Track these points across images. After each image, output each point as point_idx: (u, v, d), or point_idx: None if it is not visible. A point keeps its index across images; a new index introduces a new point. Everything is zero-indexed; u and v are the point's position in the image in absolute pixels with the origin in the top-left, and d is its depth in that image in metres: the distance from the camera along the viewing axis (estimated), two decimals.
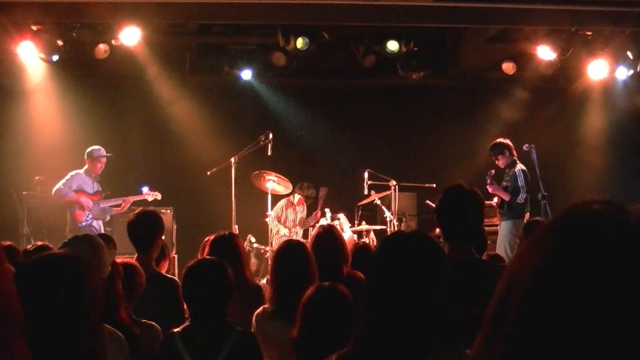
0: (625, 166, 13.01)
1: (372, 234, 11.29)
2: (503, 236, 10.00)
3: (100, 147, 10.65)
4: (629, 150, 13.11)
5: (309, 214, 11.91)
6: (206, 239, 5.64)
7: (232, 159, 10.82)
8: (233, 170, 10.77)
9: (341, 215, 11.10)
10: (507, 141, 10.33)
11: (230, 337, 3.85)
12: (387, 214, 11.28)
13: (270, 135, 10.89)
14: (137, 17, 10.18)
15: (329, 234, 5.59)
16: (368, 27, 11.39)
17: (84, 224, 10.41)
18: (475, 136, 12.70)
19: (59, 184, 10.34)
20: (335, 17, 10.28)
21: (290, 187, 11.54)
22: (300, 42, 11.07)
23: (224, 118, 12.79)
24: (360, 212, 11.88)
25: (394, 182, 11.45)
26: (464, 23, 10.71)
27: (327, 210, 11.20)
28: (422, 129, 13.43)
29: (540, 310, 0.94)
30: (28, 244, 7.04)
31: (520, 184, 9.99)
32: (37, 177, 11.25)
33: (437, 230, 4.63)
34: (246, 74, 12.19)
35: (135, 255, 5.57)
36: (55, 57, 10.57)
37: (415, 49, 11.63)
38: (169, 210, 11.29)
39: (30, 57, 10.58)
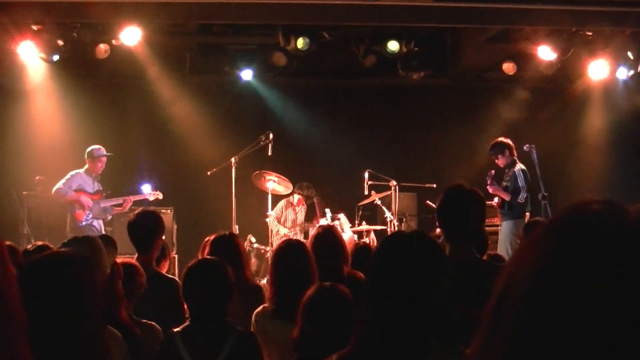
0: (626, 166, 13.00)
1: (372, 234, 11.29)
2: (504, 236, 10.00)
3: (100, 147, 10.65)
4: (629, 150, 13.11)
5: (308, 215, 11.89)
6: (206, 239, 5.64)
7: (233, 159, 10.82)
8: (233, 170, 10.78)
9: (341, 216, 11.10)
10: (508, 141, 10.32)
11: (231, 337, 3.85)
12: (388, 214, 11.28)
13: (271, 135, 10.89)
14: (138, 17, 10.18)
15: (329, 234, 5.58)
16: (368, 27, 11.39)
17: (84, 223, 10.41)
18: (475, 136, 12.70)
19: (59, 184, 10.34)
20: (336, 17, 10.29)
21: (291, 187, 11.54)
22: (300, 42, 11.07)
23: (225, 118, 12.79)
24: (360, 212, 11.88)
25: (394, 182, 11.45)
26: (464, 23, 10.71)
27: (327, 210, 11.20)
28: (422, 129, 13.43)
29: (540, 310, 0.94)
30: (28, 244, 7.03)
31: (520, 184, 9.99)
32: (37, 177, 11.25)
33: (438, 230, 4.63)
34: (246, 74, 12.19)
35: (136, 255, 5.57)
36: (56, 57, 10.58)
37: (416, 49, 11.63)
38: (169, 210, 11.29)
39: (31, 57, 10.58)
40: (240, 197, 10.87)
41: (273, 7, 10.07)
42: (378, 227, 11.51)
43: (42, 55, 10.52)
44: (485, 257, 5.21)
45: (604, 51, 11.39)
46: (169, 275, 5.88)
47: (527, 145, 9.89)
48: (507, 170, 10.25)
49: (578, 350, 0.91)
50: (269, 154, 10.92)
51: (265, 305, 4.70)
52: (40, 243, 5.47)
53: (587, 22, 10.51)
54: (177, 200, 11.63)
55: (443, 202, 4.09)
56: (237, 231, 10.00)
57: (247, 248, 10.33)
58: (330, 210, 11.17)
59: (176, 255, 10.57)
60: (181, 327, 3.97)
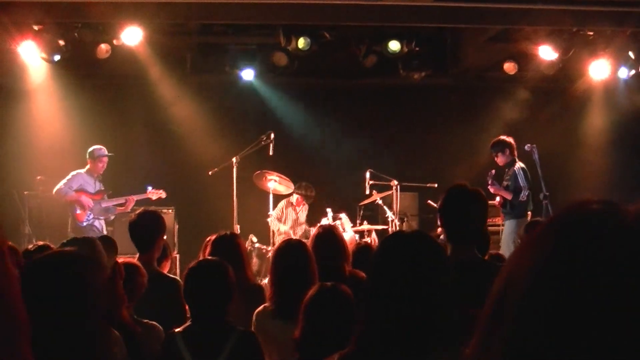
0: (626, 166, 13.00)
1: (373, 234, 11.29)
2: (507, 235, 10.00)
3: (101, 147, 10.65)
4: (630, 150, 13.10)
5: (310, 214, 11.89)
6: (208, 238, 5.64)
7: (234, 159, 10.83)
8: (234, 170, 10.78)
9: (343, 215, 11.09)
10: (510, 140, 10.32)
11: (231, 337, 3.86)
12: (389, 213, 11.28)
13: (272, 135, 10.90)
14: (139, 17, 10.19)
15: (329, 234, 5.59)
16: (369, 27, 11.39)
17: (85, 224, 10.41)
18: (476, 136, 12.69)
19: (60, 184, 10.34)
20: (337, 17, 10.29)
21: (292, 187, 11.53)
22: (301, 42, 11.07)
23: (226, 118, 12.80)
24: (361, 212, 11.87)
25: (396, 182, 11.45)
26: (465, 23, 10.71)
27: (328, 210, 11.20)
28: (423, 129, 13.44)
29: (540, 310, 0.94)
30: (29, 244, 7.04)
31: (520, 182, 9.99)
32: (38, 177, 11.25)
33: (439, 230, 4.63)
34: (247, 74, 12.19)
35: (137, 255, 5.58)
36: (57, 57, 10.58)
37: (417, 48, 11.62)
38: (170, 210, 11.29)
39: (32, 57, 10.59)
40: (241, 197, 10.87)
41: (274, 7, 10.07)
42: (379, 227, 11.51)
43: (43, 55, 10.53)
44: (486, 257, 5.20)
45: (604, 51, 11.39)
46: (170, 275, 5.89)
47: (529, 145, 9.89)
48: (507, 169, 10.25)
49: (578, 350, 0.92)
50: (270, 153, 10.92)
51: (265, 305, 4.70)
52: (41, 243, 5.46)
53: (588, 22, 10.51)
54: (178, 200, 11.62)
55: (445, 201, 4.09)
56: (239, 231, 10.00)
57: (249, 248, 10.34)
58: (332, 210, 11.17)
59: (177, 255, 10.57)
60: (182, 327, 3.97)
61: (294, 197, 11.75)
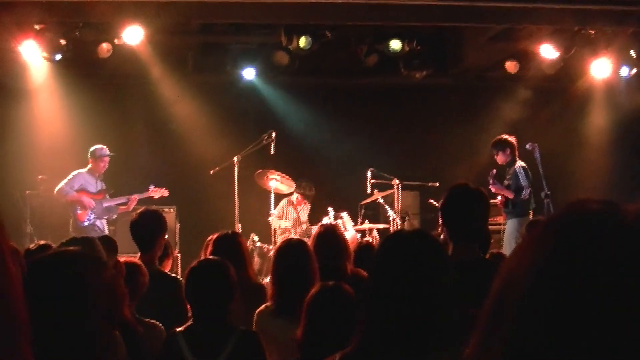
0: (628, 165, 13.00)
1: (375, 233, 11.29)
2: (509, 234, 10.00)
3: (103, 146, 10.66)
4: (631, 149, 13.09)
5: (311, 213, 11.89)
6: (209, 237, 5.65)
7: (235, 158, 10.82)
8: (236, 169, 10.78)
9: (344, 214, 11.10)
10: (512, 139, 10.31)
11: (233, 337, 3.86)
12: (390, 212, 11.28)
13: (273, 134, 10.89)
14: (140, 17, 10.18)
15: (331, 233, 5.59)
16: (371, 26, 11.39)
17: (86, 223, 10.41)
18: (477, 136, 12.69)
19: (61, 184, 10.34)
20: (338, 16, 10.28)
21: (294, 185, 11.54)
22: (303, 41, 11.06)
23: (227, 117, 12.79)
24: (363, 211, 11.87)
25: (397, 181, 11.45)
26: (466, 22, 10.69)
27: (330, 209, 11.20)
28: (425, 128, 13.44)
29: (540, 310, 0.94)
30: (31, 243, 7.04)
31: (522, 181, 9.99)
32: (40, 176, 11.26)
33: (439, 229, 4.63)
34: (249, 73, 12.19)
35: (138, 254, 5.58)
36: (58, 56, 10.58)
37: (418, 47, 11.62)
38: (172, 209, 11.30)
39: (33, 56, 10.59)
40: (242, 196, 10.87)
41: (275, 6, 10.07)
42: (381, 226, 11.51)
43: (45, 54, 10.52)
44: (487, 256, 5.20)
45: (606, 50, 11.37)
46: (172, 274, 5.89)
47: (530, 143, 9.89)
48: (507, 168, 10.25)
49: (578, 350, 0.92)
50: (272, 152, 10.92)
51: (267, 304, 4.71)
52: (42, 242, 5.47)
53: (589, 21, 10.50)
54: (179, 199, 11.62)
55: (447, 200, 4.09)
56: (240, 230, 10.00)
57: (250, 247, 10.35)
58: (333, 209, 11.17)
59: (179, 254, 10.58)
60: (184, 326, 3.98)
61: (295, 196, 11.75)
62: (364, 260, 5.60)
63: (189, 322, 4.01)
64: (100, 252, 3.97)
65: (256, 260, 10.55)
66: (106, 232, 10.45)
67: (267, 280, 8.84)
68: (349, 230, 10.64)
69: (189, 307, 4.26)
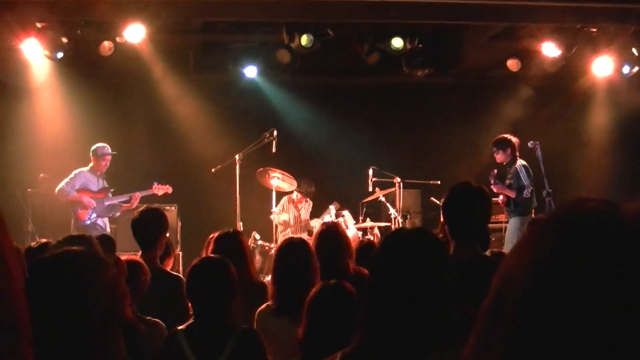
0: (629, 163, 12.99)
1: (376, 231, 11.29)
2: (511, 233, 9.99)
3: (105, 145, 10.64)
4: (632, 147, 13.09)
5: (313, 211, 11.89)
6: (211, 236, 5.65)
7: (237, 156, 10.82)
8: (237, 167, 10.78)
9: (346, 212, 11.10)
10: (513, 139, 10.30)
11: (234, 335, 3.86)
12: (392, 211, 11.29)
13: (275, 133, 10.89)
14: (141, 15, 10.18)
15: (333, 232, 5.59)
16: (372, 25, 11.38)
17: (88, 222, 10.41)
18: (479, 134, 12.69)
19: (62, 184, 10.33)
20: (340, 15, 10.28)
21: (295, 184, 11.54)
22: (304, 39, 11.06)
23: (228, 115, 12.80)
24: (364, 209, 11.88)
25: (399, 179, 11.45)
26: (468, 20, 10.70)
27: (331, 207, 11.20)
28: (426, 126, 13.44)
29: (540, 310, 0.94)
30: (32, 242, 7.05)
31: (523, 180, 9.98)
32: (41, 175, 11.27)
33: (439, 228, 4.62)
34: (250, 72, 12.19)
35: (140, 253, 5.58)
36: (60, 55, 10.58)
37: (420, 46, 11.62)
38: (173, 208, 11.30)
39: (35, 54, 10.59)
40: (244, 195, 10.87)
41: (277, 5, 10.07)
42: (382, 224, 11.51)
43: (46, 53, 10.52)
44: (488, 253, 5.20)
45: (607, 48, 11.36)
46: (173, 273, 5.89)
47: (532, 141, 9.88)
48: (508, 168, 10.25)
49: (578, 350, 0.92)
50: (273, 151, 10.91)
51: (268, 303, 4.71)
52: (44, 240, 5.48)
53: (591, 18, 10.49)
54: (181, 198, 11.62)
55: (450, 198, 4.09)
56: (241, 228, 10.00)
57: (251, 245, 10.35)
58: (335, 207, 11.17)
59: (180, 253, 10.59)
60: (185, 325, 3.98)
61: (295, 194, 11.76)
62: (366, 258, 5.60)
63: (190, 321, 4.01)
64: (97, 251, 3.97)
65: (257, 258, 10.54)
66: (108, 230, 10.45)
67: (269, 278, 8.87)
68: (351, 229, 10.64)
69: (190, 305, 4.26)
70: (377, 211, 12.20)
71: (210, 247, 5.41)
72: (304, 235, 10.60)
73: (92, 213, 10.44)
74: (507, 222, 10.32)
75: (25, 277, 2.24)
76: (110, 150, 10.63)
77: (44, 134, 12.02)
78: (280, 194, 11.62)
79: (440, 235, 4.11)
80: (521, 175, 10.00)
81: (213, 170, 11.14)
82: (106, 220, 10.65)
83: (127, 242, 6.26)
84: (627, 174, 12.75)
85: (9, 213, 10.94)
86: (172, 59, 11.96)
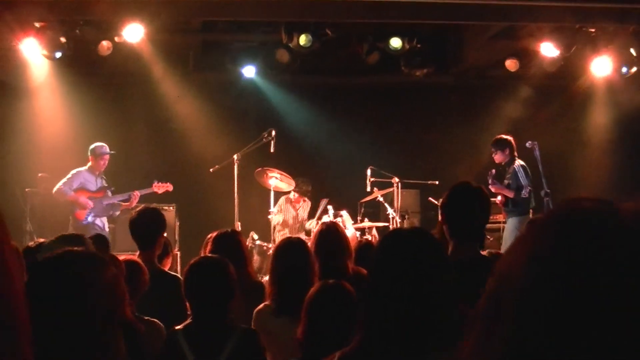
0: (628, 163, 12.99)
1: (374, 231, 11.28)
2: (509, 233, 9.99)
3: (103, 144, 10.64)
4: (632, 147, 13.09)
5: (311, 211, 11.89)
6: (209, 235, 5.65)
7: (235, 156, 10.82)
8: (236, 167, 10.78)
9: (344, 212, 11.09)
10: (512, 139, 10.30)
11: (233, 335, 3.85)
12: (390, 211, 11.28)
13: (273, 132, 10.88)
14: (141, 15, 10.18)
15: (332, 232, 5.59)
16: (371, 24, 11.38)
17: (85, 222, 10.40)
18: (478, 134, 12.69)
19: (60, 184, 10.32)
20: (339, 14, 10.28)
21: (293, 183, 11.53)
22: (303, 39, 11.05)
23: (227, 115, 12.80)
24: (363, 209, 11.87)
25: (397, 179, 11.45)
26: (467, 20, 10.70)
27: (329, 207, 11.20)
28: (426, 126, 13.44)
29: (539, 310, 0.94)
30: (31, 241, 7.05)
31: (521, 180, 9.98)
32: (40, 174, 11.26)
33: (437, 228, 4.62)
34: (249, 71, 12.19)
35: (138, 253, 5.58)
36: (59, 54, 10.57)
37: (419, 45, 11.62)
38: (171, 207, 11.30)
39: (34, 54, 10.59)
40: (242, 194, 10.87)
41: (276, 4, 10.07)
42: (380, 224, 11.50)
43: (45, 52, 10.51)
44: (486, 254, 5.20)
45: (606, 48, 11.36)
46: (172, 272, 5.89)
47: (530, 141, 9.88)
48: (507, 168, 10.25)
49: (578, 350, 0.92)
50: (272, 151, 10.91)
51: (266, 303, 4.70)
52: (42, 240, 5.47)
53: (590, 18, 10.49)
54: (179, 197, 11.62)
55: (449, 198, 4.09)
56: (240, 228, 10.00)
57: (250, 245, 10.34)
58: (333, 207, 11.17)
59: (178, 252, 10.58)
60: (183, 324, 3.97)
61: (292, 194, 11.75)
62: (365, 258, 5.60)
63: (189, 321, 4.01)
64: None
65: (256, 258, 10.53)
66: (106, 230, 10.45)
67: (267, 278, 8.87)
68: (349, 229, 10.62)
69: (188, 305, 4.25)
70: (375, 211, 12.20)
71: (209, 247, 5.41)
72: (302, 235, 10.61)
73: (90, 213, 10.42)
74: (505, 222, 10.32)
75: (25, 277, 2.24)
76: (108, 150, 10.62)
77: (43, 134, 12.02)
78: (279, 194, 11.62)
79: (437, 234, 4.11)
80: (519, 175, 10.00)
81: (211, 170, 11.13)
82: (104, 219, 10.64)
83: (126, 242, 6.26)
84: (626, 174, 12.75)
85: (9, 213, 10.93)
86: (171, 58, 11.96)
